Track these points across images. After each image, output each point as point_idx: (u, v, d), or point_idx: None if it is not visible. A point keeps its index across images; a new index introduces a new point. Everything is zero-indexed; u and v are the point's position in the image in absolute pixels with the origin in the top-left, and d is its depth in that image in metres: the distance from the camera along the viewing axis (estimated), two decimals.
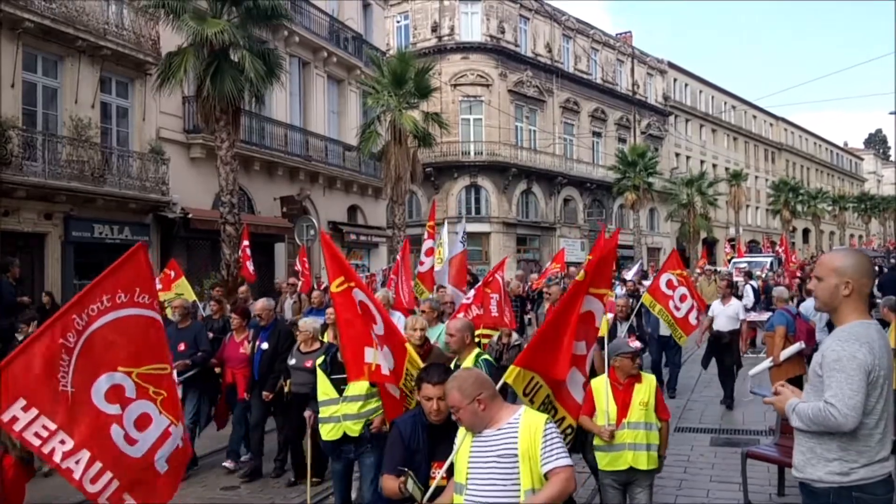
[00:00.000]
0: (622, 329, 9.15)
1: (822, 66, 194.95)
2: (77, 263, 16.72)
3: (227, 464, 8.39)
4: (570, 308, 4.58)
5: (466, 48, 37.08)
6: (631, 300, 10.50)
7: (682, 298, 9.06)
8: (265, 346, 8.11)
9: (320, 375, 6.04)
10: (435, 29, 37.54)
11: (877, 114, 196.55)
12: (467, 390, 3.46)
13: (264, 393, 7.93)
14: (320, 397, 5.99)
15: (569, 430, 4.67)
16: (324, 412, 5.94)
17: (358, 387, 5.69)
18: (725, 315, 11.30)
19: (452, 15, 37.56)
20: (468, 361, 5.28)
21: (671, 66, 53.31)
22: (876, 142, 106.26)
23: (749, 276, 20.68)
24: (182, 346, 8.39)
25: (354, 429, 5.80)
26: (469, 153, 36.74)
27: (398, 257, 13.06)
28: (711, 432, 9.57)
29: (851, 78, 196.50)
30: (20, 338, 8.57)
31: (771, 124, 67.86)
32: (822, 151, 79.08)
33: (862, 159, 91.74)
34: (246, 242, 15.22)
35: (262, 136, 22.26)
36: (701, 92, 57.43)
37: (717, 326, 11.27)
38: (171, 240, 19.25)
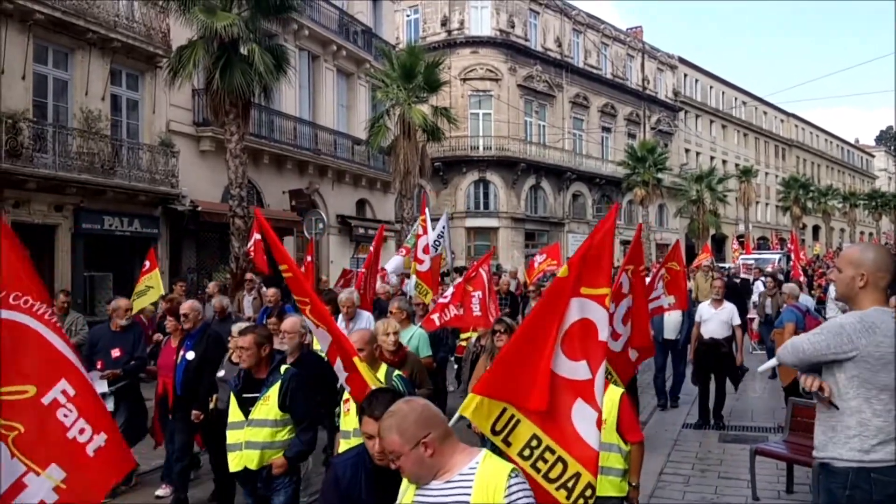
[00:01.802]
0: None
1: (834, 63, 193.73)
2: (87, 255, 16.80)
3: (160, 490, 7.29)
4: (549, 315, 3.35)
5: (476, 42, 36.98)
6: None
7: (655, 298, 8.07)
8: (190, 355, 6.92)
9: (232, 395, 5.13)
10: (445, 23, 37.46)
11: (888, 111, 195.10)
12: (409, 431, 2.54)
13: (193, 413, 6.59)
14: (229, 419, 5.09)
15: (588, 493, 3.27)
16: (229, 437, 5.07)
17: (265, 410, 4.88)
18: (719, 320, 9.57)
19: (462, 9, 37.47)
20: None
21: (682, 61, 53.09)
22: (887, 139, 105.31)
23: (761, 271, 20.52)
24: (117, 353, 7.49)
25: (256, 461, 4.89)
26: (478, 148, 36.69)
27: (371, 249, 12.11)
28: (720, 429, 9.54)
29: (863, 74, 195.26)
30: None
31: (781, 120, 67.54)
32: (833, 148, 78.69)
33: (873, 156, 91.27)
34: (258, 236, 15.06)
35: (272, 130, 22.29)
36: (711, 88, 57.20)
37: (708, 333, 9.57)
38: (180, 233, 19.31)
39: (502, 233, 36.68)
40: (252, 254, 14.97)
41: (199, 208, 18.99)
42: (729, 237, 50.86)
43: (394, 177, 23.71)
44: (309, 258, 16.08)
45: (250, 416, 4.91)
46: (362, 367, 4.07)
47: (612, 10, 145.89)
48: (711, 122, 56.63)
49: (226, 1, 15.64)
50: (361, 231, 26.90)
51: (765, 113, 64.19)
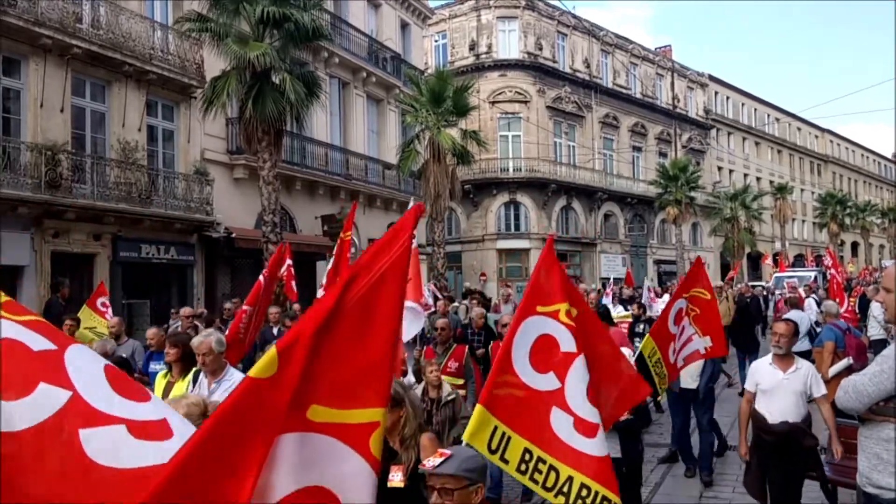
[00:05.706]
0: None
1: (868, 77, 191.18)
2: (125, 283, 17.08)
3: None
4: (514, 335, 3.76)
5: (504, 65, 37.17)
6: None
7: (688, 341, 5.82)
8: None
9: None
10: (473, 47, 37.74)
11: None
12: None
13: None
14: None
15: (584, 492, 3.36)
16: None
17: None
18: (790, 390, 5.59)
19: (490, 33, 37.73)
20: None
21: (712, 79, 52.78)
22: None
23: (811, 289, 19.75)
24: None
25: None
26: (508, 169, 36.73)
27: (262, 276, 9.26)
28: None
29: None
30: None
31: (816, 136, 66.70)
32: (870, 163, 77.41)
33: None
34: (289, 262, 15.05)
35: (304, 156, 22.57)
36: (743, 105, 56.74)
37: (777, 413, 5.60)
38: (215, 259, 19.55)
39: (534, 254, 36.53)
40: (284, 279, 15.01)
41: (234, 235, 19.22)
42: (765, 255, 50.16)
43: (424, 200, 23.83)
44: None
45: None
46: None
47: (639, 30, 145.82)
48: (744, 139, 56.12)
49: (258, 31, 15.94)
50: None
51: (798, 129, 63.47)
